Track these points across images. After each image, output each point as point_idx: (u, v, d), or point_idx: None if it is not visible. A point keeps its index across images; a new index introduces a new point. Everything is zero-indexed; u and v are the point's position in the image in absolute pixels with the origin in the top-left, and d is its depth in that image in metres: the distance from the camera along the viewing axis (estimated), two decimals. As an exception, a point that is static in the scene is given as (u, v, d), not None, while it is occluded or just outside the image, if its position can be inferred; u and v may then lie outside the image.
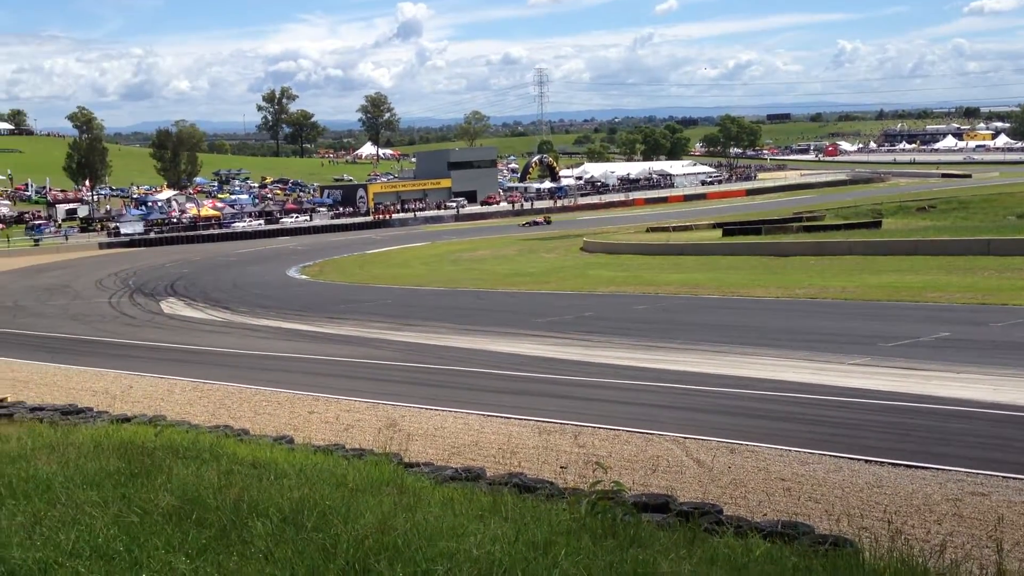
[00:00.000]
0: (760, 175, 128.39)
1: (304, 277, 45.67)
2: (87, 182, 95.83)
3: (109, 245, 73.79)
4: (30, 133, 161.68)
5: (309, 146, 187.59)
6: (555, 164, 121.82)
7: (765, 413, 12.27)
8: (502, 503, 6.40)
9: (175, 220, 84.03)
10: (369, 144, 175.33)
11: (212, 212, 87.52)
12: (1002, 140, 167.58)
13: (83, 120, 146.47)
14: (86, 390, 15.77)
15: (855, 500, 8.33)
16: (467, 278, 39.22)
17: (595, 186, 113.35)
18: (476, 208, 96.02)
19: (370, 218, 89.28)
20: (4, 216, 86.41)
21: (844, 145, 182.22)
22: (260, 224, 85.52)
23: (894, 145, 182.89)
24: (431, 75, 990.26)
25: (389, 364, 18.20)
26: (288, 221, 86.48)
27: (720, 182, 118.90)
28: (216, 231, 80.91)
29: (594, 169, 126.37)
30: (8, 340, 25.45)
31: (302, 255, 58.50)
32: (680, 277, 33.04)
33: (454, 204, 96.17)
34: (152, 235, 77.59)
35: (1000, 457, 9.56)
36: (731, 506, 8.04)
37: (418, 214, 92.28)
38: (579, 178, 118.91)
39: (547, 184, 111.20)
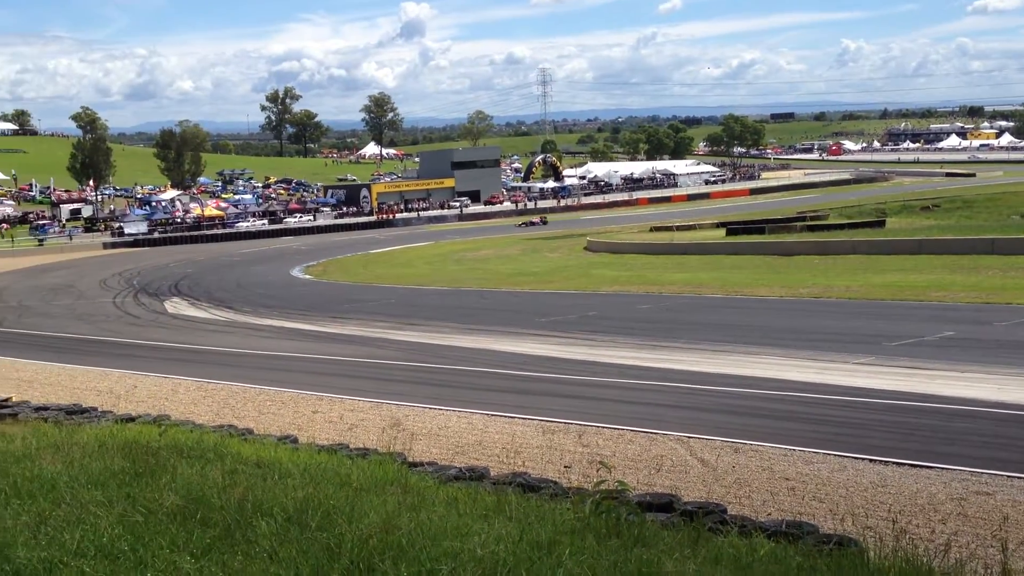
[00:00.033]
0: (764, 174, 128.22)
1: (308, 277, 45.69)
2: (91, 182, 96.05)
3: (113, 245, 73.95)
4: (34, 133, 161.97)
5: (313, 146, 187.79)
6: (559, 164, 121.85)
7: (769, 412, 12.25)
8: (506, 503, 6.39)
9: (179, 220, 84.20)
10: (372, 144, 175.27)
11: (216, 212, 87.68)
12: (1006, 139, 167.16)
13: (87, 120, 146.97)
14: (90, 390, 15.80)
15: (859, 500, 8.32)
16: (471, 278, 39.21)
17: (598, 186, 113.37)
18: (479, 208, 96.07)
19: (373, 218, 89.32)
20: (8, 216, 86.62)
21: (848, 144, 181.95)
22: (264, 224, 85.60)
23: (898, 144, 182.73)
24: (434, 75, 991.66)
25: (393, 364, 18.20)
26: (292, 221, 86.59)
27: (724, 181, 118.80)
28: (220, 231, 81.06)
29: (597, 169, 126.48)
30: (13, 340, 25.54)
31: (306, 255, 58.54)
32: (684, 276, 32.99)
33: (457, 204, 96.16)
34: (156, 235, 77.75)
35: (1005, 456, 9.54)
36: (735, 506, 8.04)
37: (421, 214, 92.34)
38: (582, 178, 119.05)
39: (551, 184, 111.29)
